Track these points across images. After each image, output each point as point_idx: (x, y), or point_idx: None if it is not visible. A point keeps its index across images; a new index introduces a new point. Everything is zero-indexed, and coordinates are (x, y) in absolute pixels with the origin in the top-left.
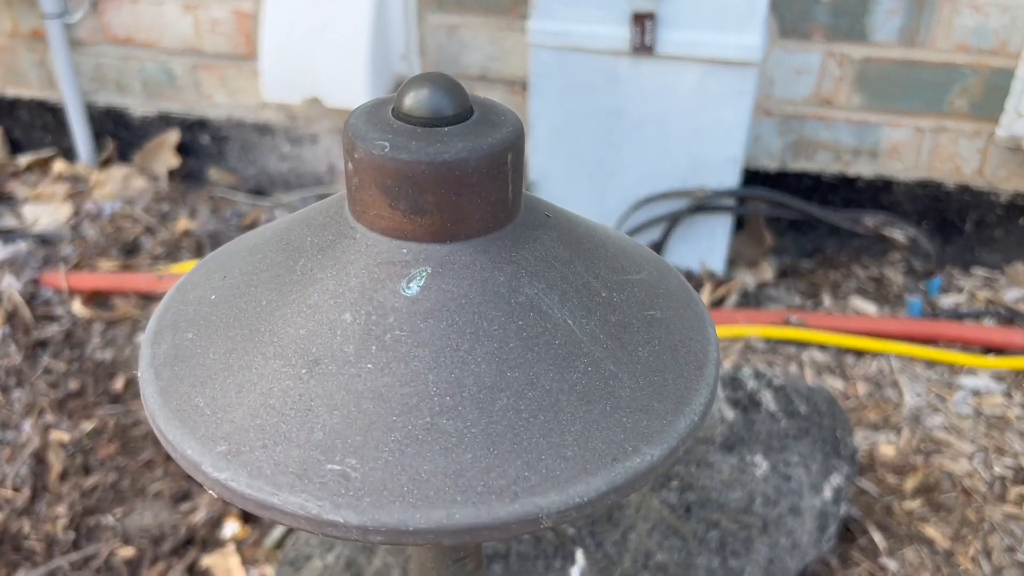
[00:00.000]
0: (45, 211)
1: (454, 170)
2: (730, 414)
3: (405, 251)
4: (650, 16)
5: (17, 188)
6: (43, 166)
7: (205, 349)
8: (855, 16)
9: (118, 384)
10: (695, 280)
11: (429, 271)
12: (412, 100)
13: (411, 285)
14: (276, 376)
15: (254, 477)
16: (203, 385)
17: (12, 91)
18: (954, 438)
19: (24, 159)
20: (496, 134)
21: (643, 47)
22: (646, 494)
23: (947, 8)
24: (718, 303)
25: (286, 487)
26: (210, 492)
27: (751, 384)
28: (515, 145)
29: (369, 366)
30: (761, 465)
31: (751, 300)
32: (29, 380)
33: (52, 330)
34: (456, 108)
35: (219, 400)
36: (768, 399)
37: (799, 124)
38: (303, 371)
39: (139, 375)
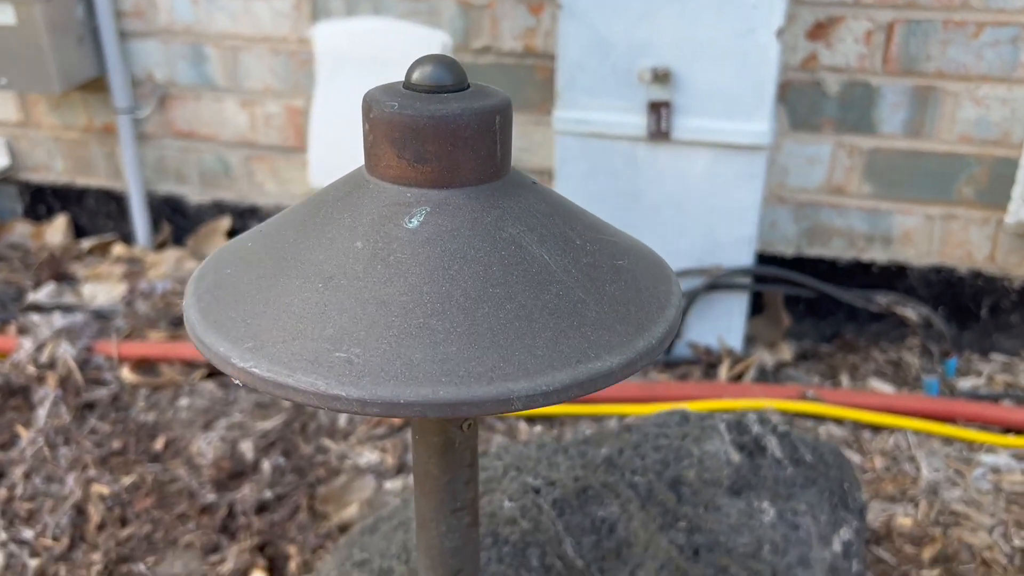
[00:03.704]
0: (102, 290)
1: (450, 123)
2: (736, 457)
3: (409, 195)
4: (666, 104)
5: (78, 269)
6: (103, 249)
7: (239, 278)
8: (862, 109)
9: (159, 444)
10: (714, 356)
11: (428, 210)
12: (419, 73)
13: (413, 220)
14: (297, 290)
15: (273, 363)
16: (237, 303)
17: (81, 181)
18: (973, 511)
19: (87, 243)
20: (487, 100)
21: (659, 133)
22: (654, 532)
23: (949, 102)
24: (736, 379)
25: (300, 370)
26: (236, 382)
27: (756, 429)
28: (503, 111)
29: (374, 280)
30: (768, 512)
31: (769, 378)
32: (76, 439)
33: (100, 393)
34: (455, 80)
35: (249, 311)
36: (773, 445)
37: (813, 211)
38: (319, 285)
39: (184, 304)
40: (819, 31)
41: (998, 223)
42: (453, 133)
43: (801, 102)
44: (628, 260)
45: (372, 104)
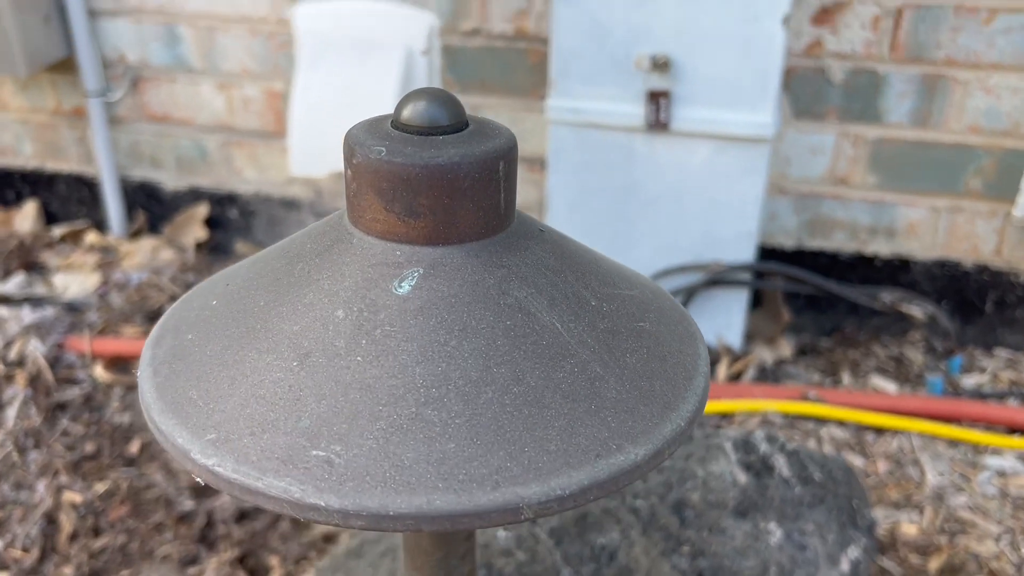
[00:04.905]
0: (74, 280)
1: (447, 173)
2: (742, 478)
3: (399, 253)
4: (665, 94)
5: (49, 258)
6: (76, 237)
7: (203, 347)
8: (868, 98)
9: (134, 447)
10: (712, 354)
11: (421, 272)
12: (410, 111)
13: (403, 284)
14: (268, 369)
15: (240, 463)
16: (198, 380)
17: (52, 165)
18: (980, 519)
19: (58, 231)
20: (489, 143)
21: (658, 124)
22: (656, 558)
23: (958, 91)
24: (735, 378)
25: (271, 472)
26: (198, 480)
27: (764, 448)
28: (507, 155)
29: (358, 359)
30: (775, 533)
31: (769, 376)
32: (46, 442)
33: (72, 393)
34: (451, 119)
35: (212, 392)
36: (781, 464)
37: (815, 203)
38: (294, 363)
39: (138, 374)
40: (824, 16)
41: (1006, 216)
42: (451, 184)
43: (804, 90)
44: (649, 320)
45: (355, 147)
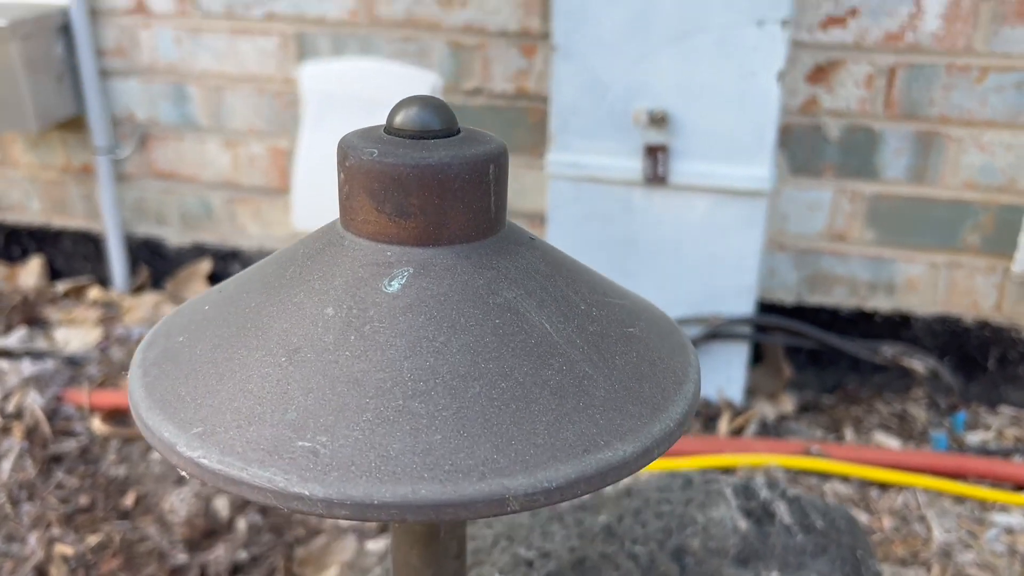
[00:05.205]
0: (76, 335)
1: (437, 173)
2: (743, 524)
3: (389, 253)
4: (663, 148)
5: (52, 313)
6: (79, 293)
7: (192, 348)
8: (864, 155)
9: (128, 500)
10: (713, 409)
11: (411, 271)
12: (402, 117)
13: (393, 283)
14: (256, 365)
15: (225, 454)
16: (187, 378)
17: (58, 222)
18: None
19: (62, 286)
20: (480, 147)
21: (656, 178)
22: None
23: (953, 147)
24: (736, 433)
25: (256, 462)
26: (184, 474)
27: (764, 494)
28: (498, 159)
29: (347, 353)
30: None
31: (771, 431)
32: (40, 494)
33: (69, 446)
34: (443, 124)
35: (200, 389)
36: (783, 511)
37: (814, 259)
38: (282, 359)
39: (128, 376)
40: (819, 75)
41: (1005, 272)
42: (441, 184)
43: (801, 147)
44: (639, 327)
45: (348, 151)
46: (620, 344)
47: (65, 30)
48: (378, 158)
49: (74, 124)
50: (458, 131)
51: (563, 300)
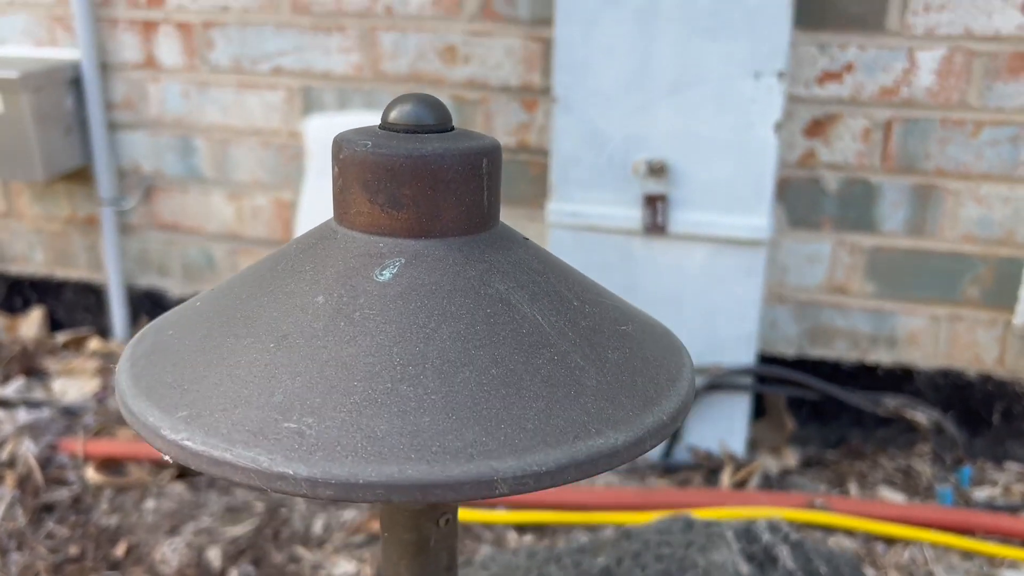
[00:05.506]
0: (73, 385)
1: (430, 164)
2: (745, 568)
3: (382, 245)
4: (662, 198)
5: (51, 364)
6: (78, 345)
7: (182, 339)
8: (862, 207)
9: (119, 550)
10: (715, 461)
11: (403, 261)
12: (397, 113)
13: (384, 272)
14: (244, 351)
15: (210, 435)
16: (174, 366)
17: (61, 273)
18: None
19: (61, 337)
20: (473, 142)
21: (655, 227)
22: None
23: (950, 200)
24: (739, 485)
25: (240, 443)
26: (166, 458)
27: (766, 538)
28: (491, 154)
29: (336, 339)
30: None
31: (774, 485)
32: (30, 544)
33: (61, 495)
34: (437, 120)
35: (187, 376)
36: (785, 555)
37: (815, 312)
38: (271, 345)
39: (116, 369)
40: (816, 128)
41: (1006, 325)
42: (434, 175)
43: (800, 199)
44: (632, 327)
45: (343, 143)
46: (613, 340)
47: (76, 83)
48: (372, 149)
49: (80, 175)
50: (452, 128)
51: (555, 295)
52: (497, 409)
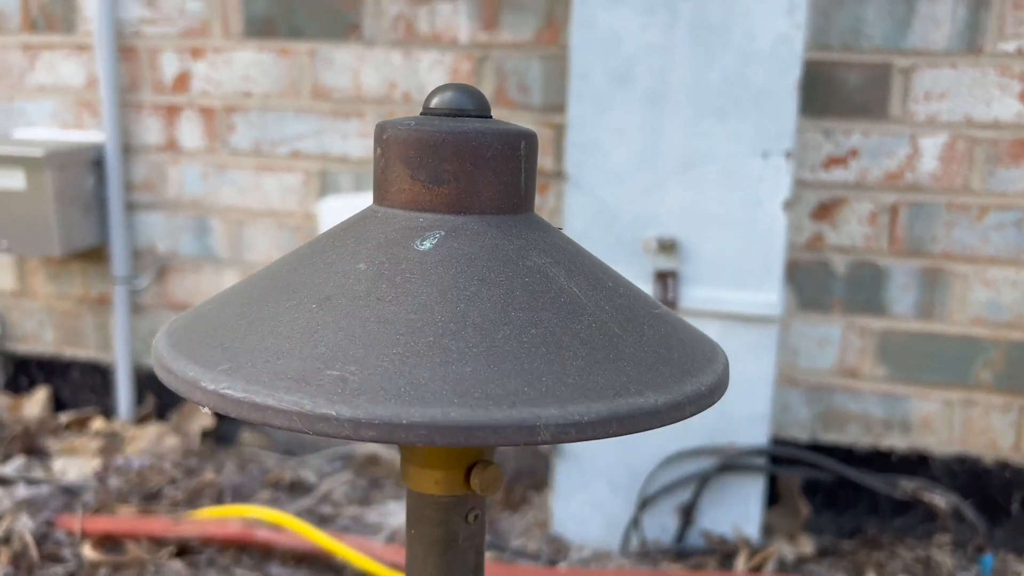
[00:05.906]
0: (74, 464)
1: (471, 140)
2: None
3: (422, 220)
4: (672, 274)
5: (52, 444)
6: (81, 425)
7: (222, 309)
8: (871, 290)
9: None
10: (729, 546)
11: (443, 233)
12: (438, 99)
13: (425, 242)
14: (287, 312)
15: (251, 383)
16: (215, 331)
17: (69, 352)
18: None
19: (64, 418)
20: (511, 127)
21: (666, 303)
22: None
23: (959, 283)
24: (755, 571)
25: (282, 389)
26: (204, 410)
27: None
28: (529, 138)
29: (378, 299)
30: None
31: (790, 571)
32: None
33: (55, 572)
34: (476, 106)
35: (228, 338)
36: None
37: (827, 395)
38: (313, 306)
39: (153, 341)
40: (823, 212)
41: (1021, 410)
42: (475, 152)
43: (809, 282)
44: (664, 312)
45: (387, 126)
46: (648, 318)
47: (98, 164)
48: (416, 126)
49: (95, 254)
50: (490, 116)
51: (590, 275)
52: (538, 364)
